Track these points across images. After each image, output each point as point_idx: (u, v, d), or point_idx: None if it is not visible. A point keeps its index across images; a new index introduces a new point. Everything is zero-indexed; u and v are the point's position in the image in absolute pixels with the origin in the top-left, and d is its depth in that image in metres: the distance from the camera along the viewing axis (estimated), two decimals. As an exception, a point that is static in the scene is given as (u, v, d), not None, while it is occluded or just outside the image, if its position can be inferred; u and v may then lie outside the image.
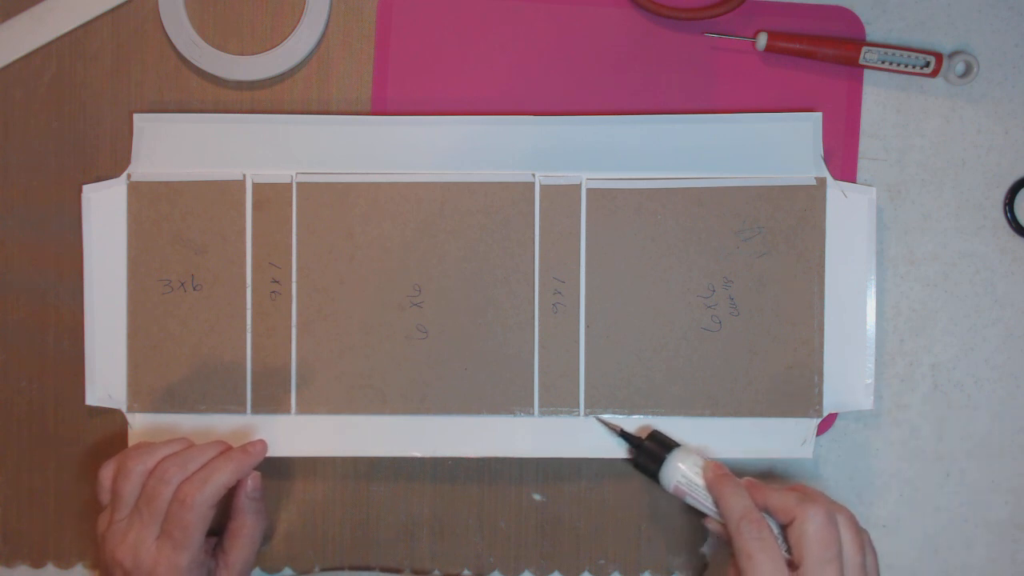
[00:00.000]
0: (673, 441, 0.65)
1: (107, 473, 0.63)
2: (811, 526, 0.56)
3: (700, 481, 0.62)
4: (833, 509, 0.58)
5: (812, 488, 0.61)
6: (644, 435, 0.65)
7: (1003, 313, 0.69)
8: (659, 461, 0.63)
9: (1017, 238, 0.69)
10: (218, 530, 0.65)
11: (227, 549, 0.64)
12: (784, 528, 0.58)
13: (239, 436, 0.67)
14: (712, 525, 0.62)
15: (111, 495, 0.62)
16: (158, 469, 0.61)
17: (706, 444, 0.67)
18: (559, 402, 0.67)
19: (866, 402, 0.67)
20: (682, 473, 0.62)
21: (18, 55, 0.69)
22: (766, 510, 0.59)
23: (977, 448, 0.69)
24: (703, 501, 0.62)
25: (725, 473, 0.62)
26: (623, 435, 0.66)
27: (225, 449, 0.64)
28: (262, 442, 0.65)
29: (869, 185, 0.68)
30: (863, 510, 0.70)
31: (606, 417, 0.67)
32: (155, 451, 0.63)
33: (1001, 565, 0.70)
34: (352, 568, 0.70)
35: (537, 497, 0.69)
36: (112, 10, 0.68)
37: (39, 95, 0.69)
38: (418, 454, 0.67)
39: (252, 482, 0.64)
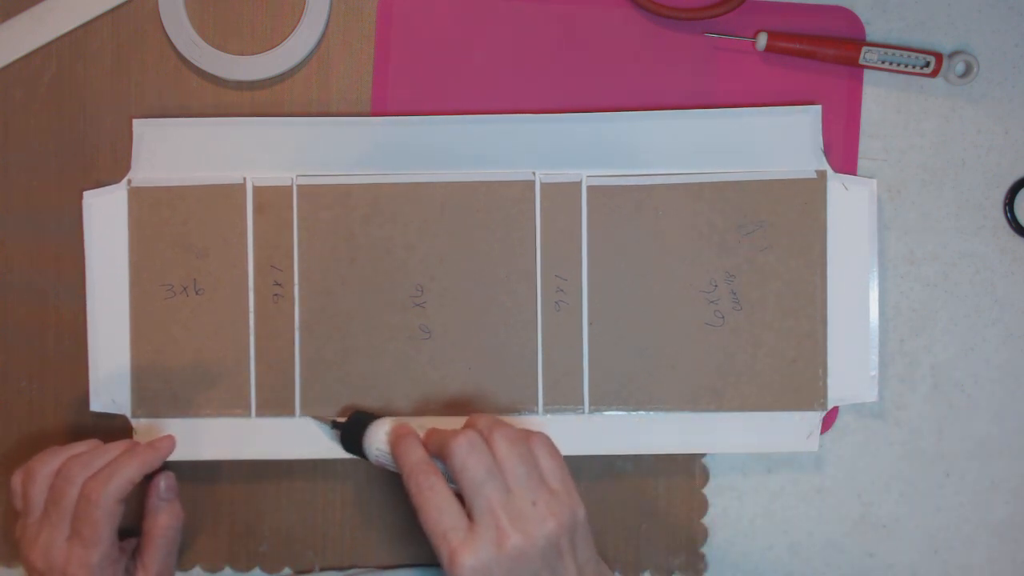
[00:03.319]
0: (373, 416, 0.64)
1: (17, 479, 0.63)
2: (456, 459, 0.55)
3: (387, 447, 0.61)
4: (487, 432, 0.56)
5: (477, 415, 0.59)
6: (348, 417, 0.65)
7: (1003, 313, 0.69)
8: (360, 438, 0.63)
9: (1017, 238, 0.69)
10: (138, 532, 0.66)
11: (142, 550, 0.64)
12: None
13: (243, 439, 0.67)
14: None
15: (22, 500, 0.62)
16: (63, 469, 0.61)
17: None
18: (563, 400, 0.67)
19: (870, 394, 0.67)
20: (376, 445, 0.61)
21: (18, 55, 0.68)
22: (436, 456, 0.57)
23: (977, 448, 0.70)
24: (396, 467, 0.60)
25: (404, 433, 0.60)
26: (334, 425, 0.65)
27: (131, 447, 0.63)
28: (170, 437, 0.65)
29: (870, 177, 0.68)
30: (863, 510, 0.70)
31: (317, 414, 0.67)
32: (61, 453, 0.62)
33: (1001, 565, 0.70)
34: (351, 567, 0.70)
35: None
36: (112, 10, 0.68)
37: (39, 95, 0.69)
38: (423, 454, 0.67)
39: (165, 482, 0.64)
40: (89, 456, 0.62)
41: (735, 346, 0.67)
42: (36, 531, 0.61)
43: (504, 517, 0.53)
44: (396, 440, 0.59)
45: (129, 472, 0.61)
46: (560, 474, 0.56)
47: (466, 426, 0.58)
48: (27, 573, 0.62)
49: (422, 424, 0.61)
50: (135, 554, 0.64)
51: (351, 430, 0.64)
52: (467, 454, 0.55)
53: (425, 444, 0.59)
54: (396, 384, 0.67)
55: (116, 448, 0.63)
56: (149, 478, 0.64)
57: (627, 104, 0.68)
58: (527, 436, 0.57)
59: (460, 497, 0.55)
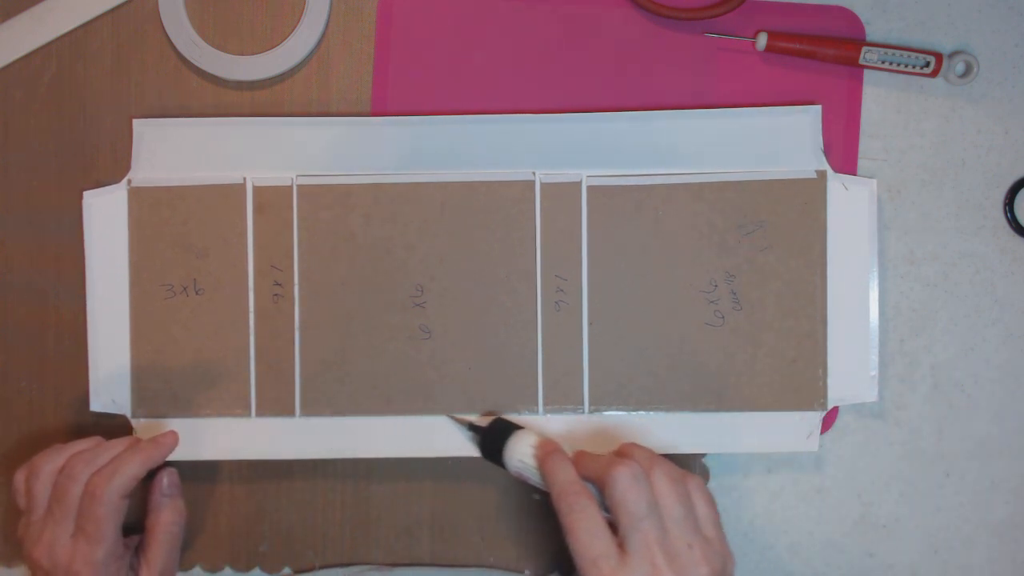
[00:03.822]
0: (515, 425, 0.64)
1: (20, 477, 0.63)
2: (616, 488, 0.55)
3: (533, 462, 0.61)
4: (647, 464, 0.56)
5: (634, 445, 0.59)
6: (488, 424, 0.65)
7: (1003, 313, 0.69)
8: (502, 448, 0.63)
9: (1017, 238, 0.69)
10: (142, 529, 0.66)
11: (146, 547, 0.64)
12: (603, 494, 0.56)
13: (243, 439, 0.67)
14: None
15: (25, 498, 0.63)
16: (66, 466, 0.62)
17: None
18: (563, 400, 0.67)
19: (870, 394, 0.67)
20: (518, 457, 0.61)
21: (18, 55, 0.68)
22: (589, 479, 0.58)
23: (977, 448, 0.70)
24: (539, 482, 0.60)
25: (552, 450, 0.60)
26: (472, 428, 0.66)
27: (134, 443, 0.64)
28: (172, 433, 0.65)
29: (870, 177, 0.68)
30: (863, 510, 0.70)
31: (458, 415, 0.67)
32: (64, 450, 0.63)
33: (1001, 565, 0.70)
34: (350, 564, 0.70)
35: (537, 497, 0.69)
36: (112, 10, 0.68)
37: (39, 95, 0.69)
38: (423, 455, 0.67)
39: (168, 478, 0.65)
40: (92, 453, 0.62)
41: (735, 346, 0.67)
42: (40, 529, 0.61)
43: (660, 555, 0.53)
44: (545, 456, 0.59)
45: (133, 468, 0.61)
46: (715, 521, 0.57)
47: (623, 455, 0.58)
48: (31, 571, 0.62)
49: (561, 440, 0.62)
50: (138, 550, 0.64)
51: (492, 437, 0.64)
52: (629, 486, 0.55)
53: (576, 464, 0.58)
54: (396, 384, 0.67)
55: (119, 444, 0.63)
56: (152, 475, 0.64)
57: (627, 104, 0.68)
58: (685, 477, 0.57)
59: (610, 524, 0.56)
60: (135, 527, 0.66)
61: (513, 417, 0.67)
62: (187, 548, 0.69)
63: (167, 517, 0.64)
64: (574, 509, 0.55)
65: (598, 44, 0.68)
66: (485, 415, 0.67)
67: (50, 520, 0.61)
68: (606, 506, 0.56)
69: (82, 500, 0.60)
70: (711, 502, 0.57)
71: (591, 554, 0.54)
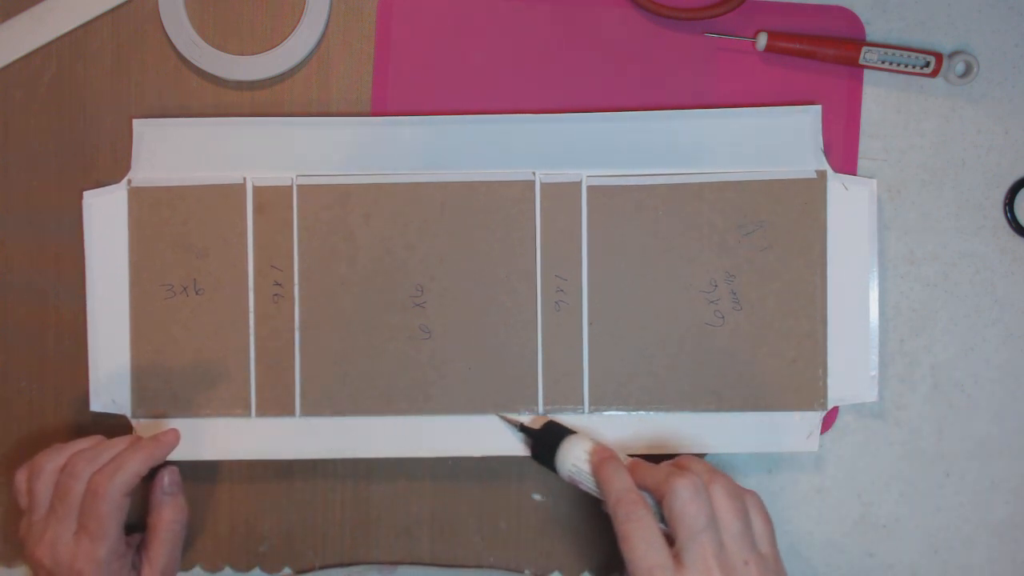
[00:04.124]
0: (568, 429, 0.64)
1: (22, 476, 0.63)
2: (676, 500, 0.55)
3: (587, 467, 0.61)
4: (706, 478, 0.57)
5: (692, 458, 0.59)
6: (541, 426, 0.65)
7: (1003, 313, 0.69)
8: (554, 451, 0.63)
9: (1017, 238, 0.69)
10: (143, 527, 0.66)
11: (148, 545, 0.64)
12: (660, 505, 0.57)
13: (243, 439, 0.67)
14: (606, 510, 0.60)
15: (27, 497, 0.63)
16: (68, 465, 0.62)
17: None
18: (564, 400, 0.67)
19: (870, 394, 0.67)
20: (572, 461, 0.62)
21: (18, 55, 0.68)
22: (645, 489, 0.58)
23: (977, 448, 0.70)
24: (592, 487, 0.61)
25: (608, 456, 0.60)
26: (523, 430, 0.66)
27: (136, 441, 0.64)
28: (174, 431, 0.65)
29: (870, 177, 0.68)
30: (863, 510, 0.70)
31: (509, 415, 0.67)
32: (66, 449, 0.63)
33: (1001, 565, 0.70)
34: (351, 564, 0.70)
35: (537, 497, 0.69)
36: (112, 10, 0.68)
37: (39, 95, 0.69)
38: (424, 455, 0.67)
39: (169, 476, 0.65)
40: (94, 451, 0.62)
41: (735, 346, 0.67)
42: (42, 528, 0.61)
43: (716, 569, 0.54)
44: (600, 463, 0.60)
45: (135, 465, 0.61)
46: (771, 539, 0.57)
47: (681, 467, 0.58)
48: (32, 571, 0.62)
49: (614, 447, 0.62)
50: (140, 549, 0.65)
51: (545, 440, 0.64)
52: (690, 499, 0.55)
53: (632, 472, 0.59)
54: (396, 384, 0.67)
55: (121, 443, 0.63)
56: (153, 473, 0.64)
57: (627, 104, 0.68)
58: (743, 493, 0.57)
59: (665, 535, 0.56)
60: (137, 526, 0.66)
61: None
62: (187, 548, 0.69)
63: (169, 515, 0.64)
64: (631, 518, 0.56)
65: (598, 44, 0.68)
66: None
67: (52, 519, 0.61)
68: (661, 516, 0.57)
69: (84, 498, 0.60)
70: (768, 519, 0.58)
71: (647, 564, 0.54)
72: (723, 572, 0.54)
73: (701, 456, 0.59)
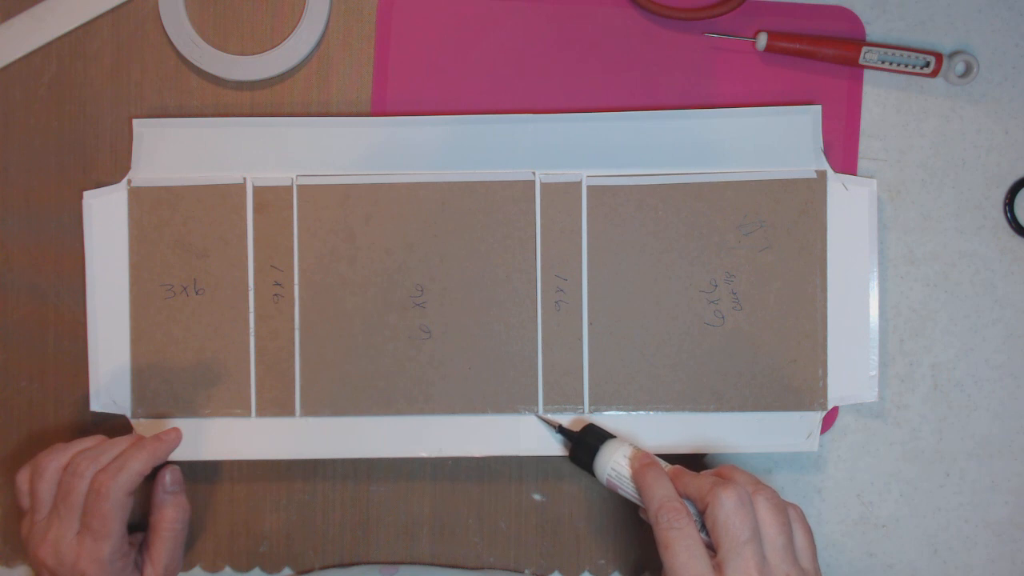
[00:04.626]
0: (607, 433, 0.64)
1: (23, 476, 0.63)
2: (721, 511, 0.55)
3: (628, 472, 0.61)
4: (751, 489, 0.57)
5: (735, 468, 0.59)
6: (581, 429, 0.65)
7: (1003, 313, 0.69)
8: (593, 455, 0.63)
9: (1017, 238, 0.69)
10: (146, 527, 0.66)
11: (150, 544, 0.64)
12: (703, 514, 0.57)
13: (243, 439, 0.67)
14: (644, 516, 0.61)
15: (29, 498, 0.63)
16: (71, 464, 0.62)
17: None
18: (564, 400, 0.67)
19: (870, 394, 0.67)
20: (611, 466, 0.62)
21: (18, 55, 0.68)
22: (687, 497, 0.58)
23: (977, 448, 0.70)
24: (632, 493, 0.61)
25: (650, 462, 0.60)
26: (561, 431, 0.66)
27: (138, 440, 0.64)
28: (176, 430, 0.66)
29: (870, 177, 0.68)
30: (863, 510, 0.70)
31: (549, 416, 0.67)
32: (68, 449, 0.63)
33: (1001, 565, 0.70)
34: (352, 564, 0.70)
35: (537, 497, 0.69)
36: (112, 10, 0.68)
37: (39, 95, 0.69)
38: (424, 454, 0.67)
39: (171, 475, 0.65)
40: (97, 451, 0.62)
41: (735, 346, 0.67)
42: (45, 527, 0.61)
43: None
44: (642, 469, 0.60)
45: (138, 464, 0.62)
46: (811, 553, 0.57)
47: (725, 477, 0.58)
48: (35, 571, 0.62)
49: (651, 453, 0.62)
50: (143, 548, 0.65)
51: (585, 443, 0.64)
52: (735, 509, 0.55)
53: (673, 480, 0.59)
54: (396, 384, 0.67)
55: (123, 442, 0.64)
56: (155, 472, 0.64)
57: (627, 104, 0.68)
58: (787, 506, 0.57)
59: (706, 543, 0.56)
60: (139, 525, 0.66)
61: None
62: (187, 548, 0.69)
63: (171, 514, 0.65)
64: (673, 526, 0.56)
65: (598, 44, 0.68)
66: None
67: (55, 518, 0.61)
68: (702, 525, 0.57)
69: (88, 497, 0.61)
70: (810, 533, 0.58)
71: (689, 573, 0.54)
72: None
73: (748, 474, 0.59)
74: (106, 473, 0.61)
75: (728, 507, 0.55)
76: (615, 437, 0.64)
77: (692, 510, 0.58)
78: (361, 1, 0.68)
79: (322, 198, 0.67)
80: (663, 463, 0.61)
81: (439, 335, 0.67)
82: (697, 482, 0.58)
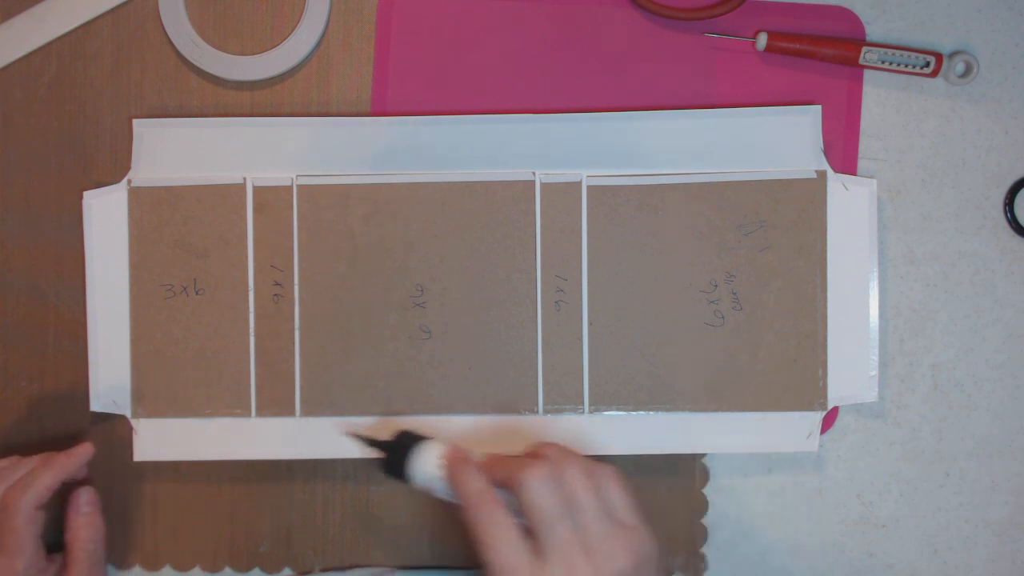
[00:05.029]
0: (420, 436, 0.61)
1: None
2: (527, 493, 0.53)
3: (441, 472, 0.58)
4: (558, 462, 0.55)
5: (546, 444, 0.57)
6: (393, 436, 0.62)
7: (1003, 313, 0.69)
8: (406, 462, 0.60)
9: (1017, 238, 0.69)
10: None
11: (67, 564, 0.64)
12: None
13: (243, 439, 0.67)
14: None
15: None
16: None
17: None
18: (564, 400, 0.67)
19: (870, 394, 0.67)
20: (425, 468, 0.59)
21: (18, 55, 0.68)
22: (500, 485, 0.56)
23: (977, 448, 0.70)
24: (449, 493, 0.58)
25: (459, 459, 0.58)
26: (374, 444, 0.62)
27: (48, 457, 0.64)
28: (87, 445, 0.65)
29: (870, 177, 0.68)
30: (863, 510, 0.70)
31: (356, 431, 0.65)
32: None
33: (1001, 565, 0.70)
34: (351, 567, 0.70)
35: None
36: (112, 10, 0.68)
37: (39, 95, 0.69)
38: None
39: (85, 495, 0.65)
40: (9, 470, 0.63)
41: (735, 346, 0.67)
42: None
43: (578, 554, 0.53)
44: (452, 466, 0.58)
45: (47, 479, 0.62)
46: (631, 508, 0.56)
47: (535, 455, 0.57)
48: None
49: (471, 449, 0.60)
50: (62, 569, 0.64)
51: (396, 451, 0.60)
52: (540, 488, 0.54)
53: (485, 471, 0.57)
54: (396, 384, 0.67)
55: (34, 460, 0.64)
56: (70, 490, 0.65)
57: (627, 104, 0.68)
58: (597, 469, 0.56)
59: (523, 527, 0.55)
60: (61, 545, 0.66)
61: (514, 418, 0.67)
62: (187, 549, 0.69)
63: (84, 534, 0.64)
64: (485, 519, 0.54)
65: (598, 44, 0.68)
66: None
67: None
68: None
69: None
70: (625, 489, 0.56)
71: (508, 563, 0.53)
72: (585, 555, 0.53)
73: (556, 445, 0.57)
74: (14, 489, 0.61)
75: (533, 487, 0.54)
76: (428, 439, 0.61)
77: (511, 497, 0.55)
78: (361, 1, 0.68)
79: (322, 198, 0.67)
80: (477, 454, 0.59)
81: (439, 335, 0.67)
82: (505, 467, 0.56)
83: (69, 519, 0.65)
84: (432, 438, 0.61)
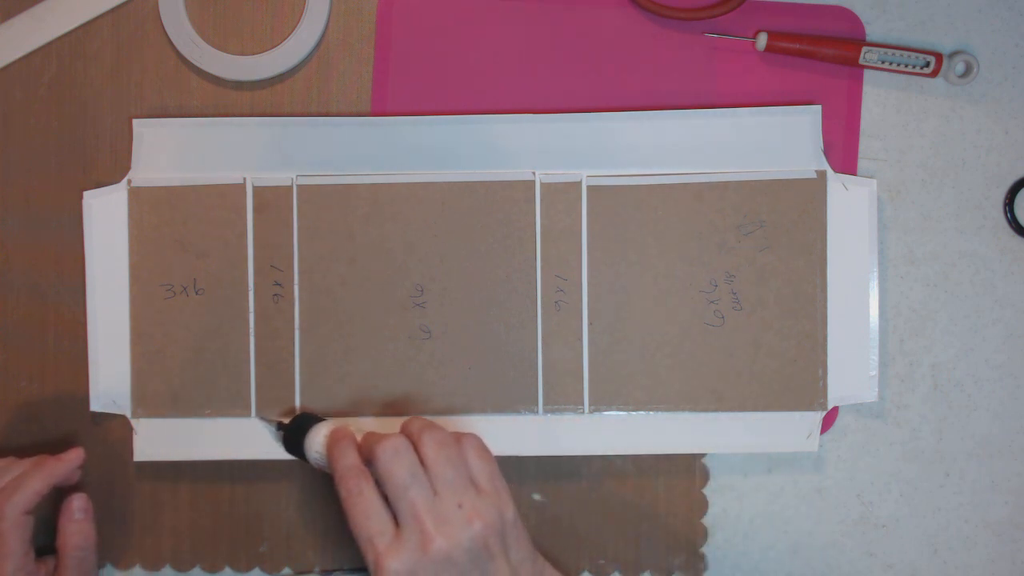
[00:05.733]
0: (316, 417, 0.64)
1: None
2: (379, 464, 0.55)
3: (325, 451, 0.60)
4: (416, 434, 0.57)
5: (410, 418, 0.59)
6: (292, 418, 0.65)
7: (1003, 313, 0.69)
8: (302, 441, 0.62)
9: (1017, 238, 0.69)
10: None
11: (57, 570, 0.64)
12: None
13: (243, 439, 0.67)
14: None
15: None
16: None
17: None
18: (564, 400, 0.67)
19: (870, 394, 0.67)
20: (315, 448, 0.61)
21: (18, 55, 0.68)
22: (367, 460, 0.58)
23: (977, 448, 0.70)
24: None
25: (340, 437, 0.60)
26: (280, 427, 0.65)
27: (39, 461, 0.64)
28: (78, 450, 0.65)
29: (870, 177, 0.68)
30: (863, 510, 0.70)
31: (266, 416, 0.67)
32: None
33: (1001, 565, 0.70)
34: (352, 570, 0.70)
35: (537, 497, 0.69)
36: (112, 10, 0.68)
37: (39, 95, 0.69)
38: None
39: (77, 502, 0.64)
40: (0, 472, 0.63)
41: (735, 346, 0.67)
42: None
43: (428, 521, 0.54)
44: (331, 444, 0.60)
45: (36, 484, 0.62)
46: (489, 474, 0.57)
47: (400, 430, 0.58)
48: None
49: (361, 427, 0.61)
50: (53, 573, 0.64)
51: (294, 432, 0.63)
52: (391, 458, 0.55)
53: (361, 449, 0.59)
54: (396, 384, 0.67)
55: (26, 463, 0.63)
56: (63, 496, 0.64)
57: (627, 104, 0.68)
58: (457, 438, 0.57)
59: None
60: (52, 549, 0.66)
61: (514, 418, 0.67)
62: (187, 549, 0.69)
63: (74, 541, 0.64)
64: (352, 493, 0.55)
65: (598, 44, 0.68)
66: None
67: None
68: None
69: None
70: (485, 455, 0.57)
71: (367, 534, 0.54)
72: (436, 522, 0.54)
73: (419, 419, 0.59)
74: (3, 493, 0.61)
75: (384, 459, 0.55)
76: (323, 420, 0.63)
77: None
78: (361, 1, 0.68)
79: (322, 198, 0.67)
80: (357, 432, 0.60)
81: (439, 335, 0.67)
82: (367, 443, 0.58)
83: (61, 525, 0.64)
84: (325, 419, 0.63)
